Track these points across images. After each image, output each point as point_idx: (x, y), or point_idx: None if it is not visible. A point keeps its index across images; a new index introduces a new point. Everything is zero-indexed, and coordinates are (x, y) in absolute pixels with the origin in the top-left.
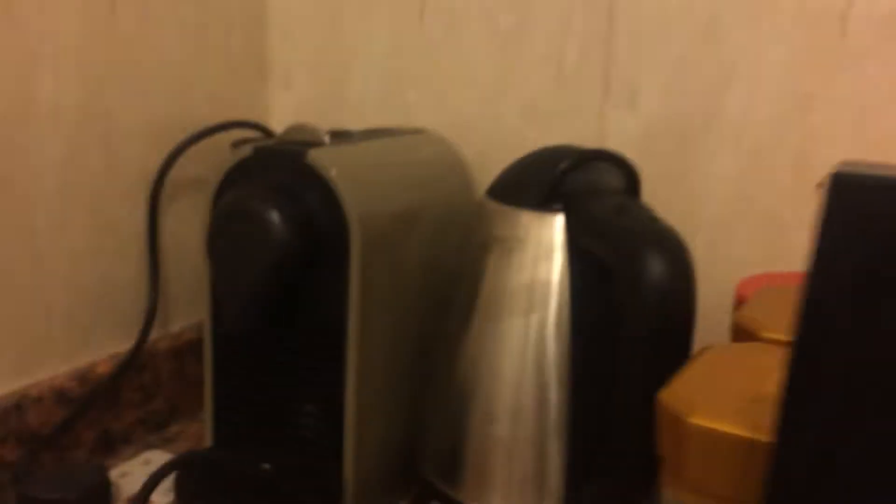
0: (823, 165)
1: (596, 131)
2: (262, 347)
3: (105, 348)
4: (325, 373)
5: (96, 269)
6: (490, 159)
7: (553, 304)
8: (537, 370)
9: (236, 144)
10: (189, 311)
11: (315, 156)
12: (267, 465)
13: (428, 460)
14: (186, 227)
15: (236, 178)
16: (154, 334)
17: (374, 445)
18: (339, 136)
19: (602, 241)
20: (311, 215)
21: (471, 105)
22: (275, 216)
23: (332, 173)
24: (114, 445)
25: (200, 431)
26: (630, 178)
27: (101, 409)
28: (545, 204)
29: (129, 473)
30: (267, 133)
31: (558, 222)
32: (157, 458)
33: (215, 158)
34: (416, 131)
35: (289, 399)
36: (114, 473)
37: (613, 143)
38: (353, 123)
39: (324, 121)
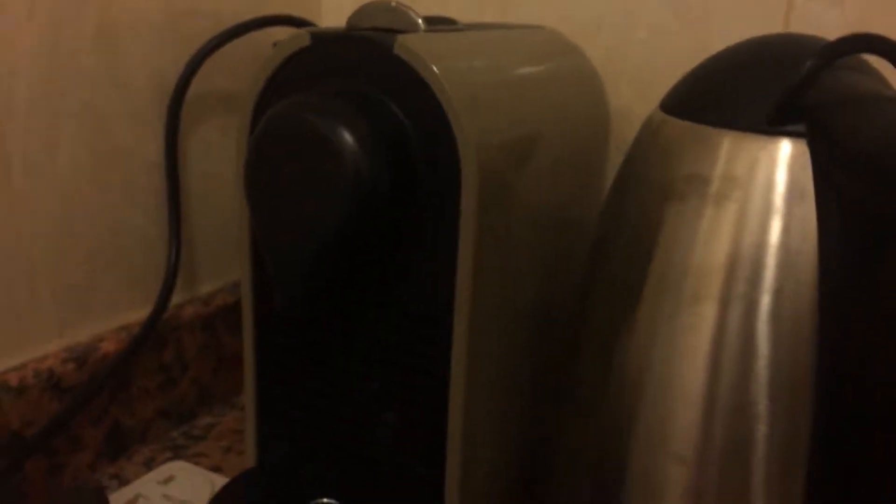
0: None
1: (780, 31)
2: (326, 328)
3: (111, 319)
4: (416, 368)
5: (96, 214)
6: (623, 75)
7: (788, 285)
8: (747, 387)
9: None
10: (222, 268)
11: (407, 44)
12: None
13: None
14: (217, 156)
15: (287, 82)
16: (177, 298)
17: (482, 472)
18: (437, 22)
19: (881, 182)
20: (401, 137)
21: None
22: (346, 138)
23: (437, 71)
24: (126, 446)
25: (239, 423)
26: None
27: (107, 400)
28: (778, 123)
29: (146, 499)
30: None
31: (800, 152)
32: (183, 473)
33: (252, 66)
34: (533, 27)
35: (359, 402)
36: (122, 498)
37: None
38: None
39: None
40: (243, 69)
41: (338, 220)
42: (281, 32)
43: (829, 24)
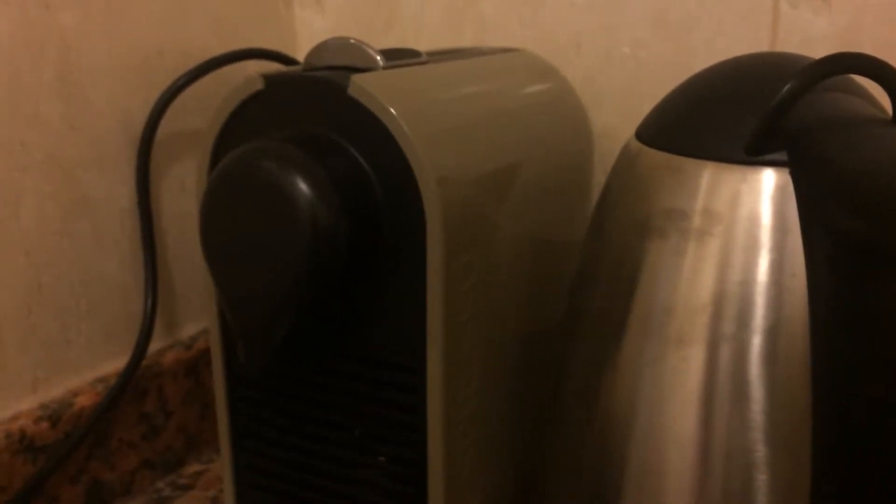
0: None
1: (766, 43)
2: (298, 378)
3: (87, 372)
4: (393, 414)
5: (66, 266)
6: (605, 95)
7: (780, 323)
8: (742, 433)
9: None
10: (205, 310)
11: (363, 85)
12: None
13: None
14: (193, 194)
15: (243, 128)
16: (157, 345)
17: None
18: (395, 55)
19: (869, 210)
20: (361, 182)
21: (575, 17)
22: (302, 187)
23: (393, 111)
24: (108, 501)
25: None
26: None
27: (85, 456)
28: (758, 151)
29: None
30: (293, 65)
31: (783, 182)
32: None
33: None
34: (507, 51)
35: (339, 451)
36: None
37: None
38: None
39: None
40: (215, 105)
41: (295, 273)
42: (256, 66)
43: (818, 34)
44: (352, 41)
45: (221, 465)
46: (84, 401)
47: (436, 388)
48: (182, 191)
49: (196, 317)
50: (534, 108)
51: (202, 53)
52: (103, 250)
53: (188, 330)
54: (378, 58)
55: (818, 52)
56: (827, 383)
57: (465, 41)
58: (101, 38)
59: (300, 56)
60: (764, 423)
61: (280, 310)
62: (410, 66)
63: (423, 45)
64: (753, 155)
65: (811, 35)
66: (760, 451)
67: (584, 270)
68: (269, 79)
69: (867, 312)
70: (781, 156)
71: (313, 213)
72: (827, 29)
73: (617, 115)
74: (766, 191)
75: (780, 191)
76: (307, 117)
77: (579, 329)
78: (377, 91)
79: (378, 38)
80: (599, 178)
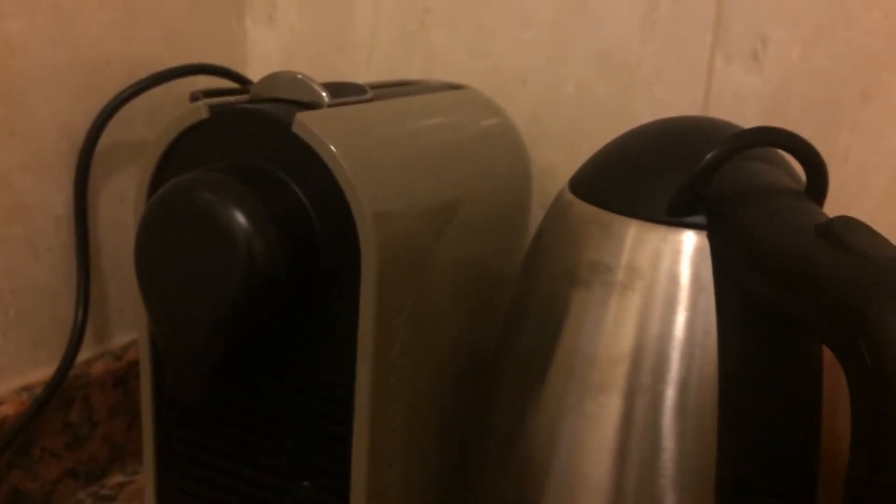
0: None
1: (701, 95)
2: (226, 404)
3: (12, 380)
4: (321, 444)
5: None
6: (547, 132)
7: (692, 378)
8: (653, 480)
9: (197, 98)
10: (135, 321)
11: (306, 122)
12: None
13: None
14: (130, 208)
15: (184, 155)
16: (86, 354)
17: None
18: (341, 91)
19: (786, 282)
20: (300, 216)
21: (523, 52)
22: (239, 219)
23: (333, 149)
24: None
25: None
26: (813, 170)
27: (6, 464)
28: (679, 213)
29: None
30: (242, 82)
31: (702, 244)
32: None
33: (170, 117)
34: (451, 87)
35: (265, 477)
36: None
37: (725, 112)
38: (358, 75)
39: (319, 69)
40: (163, 117)
41: (230, 304)
42: (204, 82)
43: (749, 91)
44: (299, 76)
45: (144, 479)
46: (7, 409)
47: (362, 419)
48: (121, 201)
49: (128, 327)
50: (476, 145)
51: (151, 64)
52: (36, 257)
53: (119, 340)
54: (324, 94)
55: (749, 107)
56: (730, 436)
57: (414, 69)
58: (48, 46)
59: (249, 71)
60: (673, 472)
61: (212, 339)
62: (355, 103)
63: (372, 69)
64: (675, 216)
65: (743, 92)
66: (670, 497)
67: (513, 311)
68: (214, 109)
69: (775, 372)
70: (701, 219)
71: (249, 244)
72: (758, 87)
73: (558, 154)
74: (685, 251)
75: (698, 252)
76: (250, 149)
77: (505, 369)
78: (320, 130)
79: (329, 59)
80: (538, 213)
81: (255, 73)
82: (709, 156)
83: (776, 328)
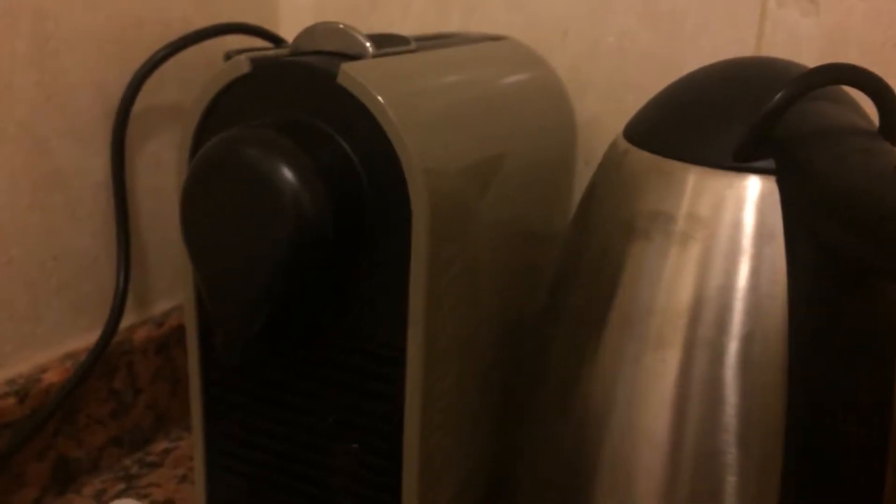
0: None
1: (753, 40)
2: (275, 364)
3: (56, 347)
4: (371, 403)
5: (37, 240)
6: (589, 84)
7: (757, 330)
8: (715, 435)
9: (231, 56)
10: (177, 286)
11: (352, 73)
12: None
13: None
14: (168, 170)
15: (227, 110)
16: (128, 321)
17: (443, 500)
18: (385, 42)
19: (865, 226)
20: (347, 170)
21: (562, 2)
22: (287, 174)
23: (382, 101)
24: (74, 478)
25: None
26: (887, 109)
27: (52, 432)
28: (745, 158)
29: None
30: (275, 40)
31: (769, 190)
32: None
33: (205, 74)
34: (493, 38)
35: (313, 437)
36: None
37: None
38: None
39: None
40: (196, 78)
41: (278, 262)
42: (236, 41)
43: (804, 34)
44: (341, 26)
45: (191, 445)
46: (52, 377)
47: (414, 379)
48: (158, 166)
49: (168, 293)
50: (520, 98)
51: (182, 25)
52: (76, 224)
53: (160, 306)
54: (368, 45)
55: (803, 51)
56: (803, 390)
57: (451, 25)
58: (80, 9)
59: (282, 29)
60: (736, 427)
61: (261, 299)
62: (400, 54)
63: (408, 28)
64: (741, 161)
65: (798, 34)
66: (731, 453)
67: (564, 266)
68: (256, 62)
69: (849, 322)
70: (768, 164)
71: (297, 201)
72: (813, 29)
73: (601, 106)
74: (750, 197)
75: (764, 198)
76: (293, 103)
77: (558, 324)
78: (367, 80)
79: (362, 18)
80: (581, 168)
81: (287, 32)
82: (777, 96)
83: (852, 276)
